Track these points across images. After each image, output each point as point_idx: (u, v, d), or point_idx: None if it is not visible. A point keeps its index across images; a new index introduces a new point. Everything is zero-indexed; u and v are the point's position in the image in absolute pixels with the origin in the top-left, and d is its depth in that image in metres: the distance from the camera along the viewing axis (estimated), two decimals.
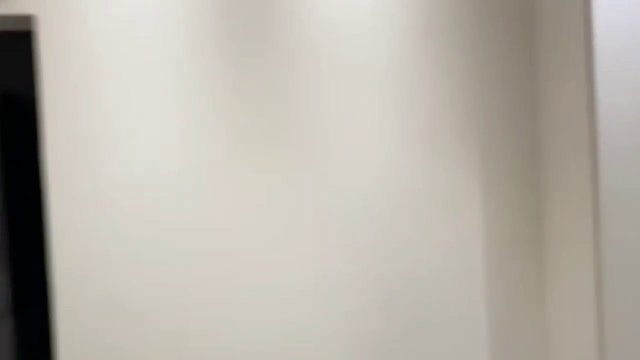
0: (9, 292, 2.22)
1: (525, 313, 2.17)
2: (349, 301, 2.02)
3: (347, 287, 2.02)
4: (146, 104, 1.92)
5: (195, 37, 1.92)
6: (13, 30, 2.03)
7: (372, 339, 2.02)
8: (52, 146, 1.88)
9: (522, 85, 2.18)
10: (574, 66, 1.98)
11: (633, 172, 1.92)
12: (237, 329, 1.94)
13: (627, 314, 1.91)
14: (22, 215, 2.26)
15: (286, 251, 1.98)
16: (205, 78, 1.93)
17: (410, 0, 2.06)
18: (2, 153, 2.26)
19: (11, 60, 2.22)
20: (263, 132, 1.97)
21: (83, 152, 1.90)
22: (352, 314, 2.02)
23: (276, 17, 1.96)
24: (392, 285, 2.06)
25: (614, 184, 1.89)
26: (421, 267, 2.08)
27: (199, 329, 1.93)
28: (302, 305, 1.99)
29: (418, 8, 2.06)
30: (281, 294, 1.97)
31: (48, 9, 1.87)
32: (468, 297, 2.11)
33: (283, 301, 1.97)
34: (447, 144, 2.10)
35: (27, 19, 1.91)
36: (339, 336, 2.00)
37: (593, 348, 1.94)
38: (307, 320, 1.99)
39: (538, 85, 2.17)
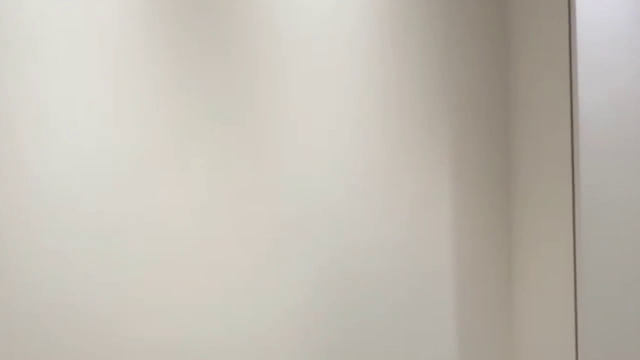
0: None
1: (494, 308, 2.12)
2: (308, 298, 1.89)
3: (307, 283, 1.89)
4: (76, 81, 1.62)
5: (141, 11, 1.69)
6: None
7: (333, 337, 1.92)
8: None
9: (496, 77, 2.13)
10: (553, 61, 1.95)
11: (612, 167, 1.91)
12: (186, 315, 1.73)
13: (601, 313, 1.91)
14: None
15: (242, 237, 1.81)
16: (149, 58, 1.70)
17: None
18: None
19: None
20: (214, 118, 1.78)
21: None
22: (311, 313, 1.90)
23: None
24: (354, 281, 1.95)
25: (591, 181, 1.87)
26: (386, 261, 1.99)
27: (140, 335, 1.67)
28: (255, 296, 1.82)
29: None
30: (237, 278, 1.80)
31: None
32: (436, 294, 2.04)
33: (238, 286, 1.80)
34: (416, 138, 2.02)
35: None
36: (296, 332, 1.87)
37: (563, 349, 1.93)
38: (263, 313, 1.83)
39: (513, 79, 2.12)
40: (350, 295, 1.94)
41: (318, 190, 1.90)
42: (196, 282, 1.73)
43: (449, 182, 2.06)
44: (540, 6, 2.00)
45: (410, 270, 2.00)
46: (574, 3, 1.87)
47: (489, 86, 2.13)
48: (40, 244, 1.55)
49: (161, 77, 1.71)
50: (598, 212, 1.89)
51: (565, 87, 1.90)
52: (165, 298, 1.69)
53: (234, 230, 1.79)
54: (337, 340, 1.92)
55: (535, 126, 2.02)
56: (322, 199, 1.91)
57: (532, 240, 2.04)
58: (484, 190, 2.12)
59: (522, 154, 2.07)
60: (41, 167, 1.56)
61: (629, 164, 1.95)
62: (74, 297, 1.58)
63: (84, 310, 1.59)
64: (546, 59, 1.98)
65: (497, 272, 2.14)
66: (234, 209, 1.79)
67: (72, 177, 1.60)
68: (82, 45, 1.62)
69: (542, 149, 2.00)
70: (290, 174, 1.87)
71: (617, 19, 1.93)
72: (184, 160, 1.73)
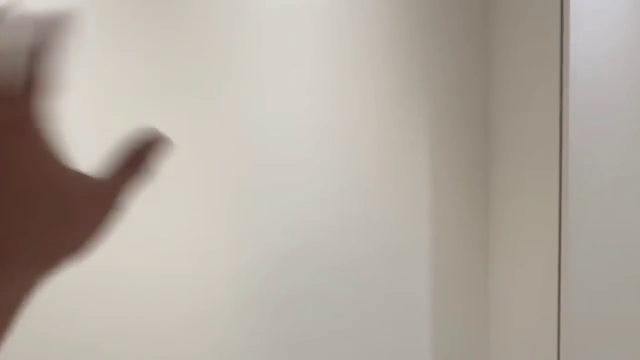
0: None
1: (470, 290, 2.07)
2: (276, 280, 1.78)
3: (272, 262, 1.78)
4: None
5: None
6: None
7: (298, 324, 1.82)
8: None
9: (475, 55, 2.04)
10: (540, 42, 1.87)
11: (600, 149, 1.85)
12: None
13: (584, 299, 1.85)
14: None
15: (199, 215, 1.70)
16: (115, 33, 1.60)
17: None
18: None
19: None
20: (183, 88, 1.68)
21: None
22: (271, 298, 1.78)
23: None
24: (322, 263, 1.84)
25: (579, 166, 1.80)
26: (360, 241, 1.89)
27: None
28: (211, 281, 1.70)
29: None
30: (192, 261, 1.67)
31: None
32: (410, 276, 1.97)
33: (192, 270, 1.68)
34: (393, 113, 1.93)
35: None
36: (256, 319, 1.76)
37: (537, 338, 1.91)
38: (219, 299, 1.71)
39: (493, 55, 2.03)
40: (318, 278, 1.85)
41: (287, 169, 1.81)
42: (148, 265, 1.62)
43: (426, 158, 1.99)
44: None
45: (382, 251, 1.93)
46: None
47: (469, 58, 2.05)
48: None
49: (129, 54, 1.61)
50: (585, 196, 1.83)
51: (554, 69, 1.83)
52: (116, 281, 1.59)
53: (191, 206, 1.68)
54: (303, 326, 1.84)
55: (518, 105, 1.96)
56: (292, 178, 1.81)
57: (513, 220, 2.00)
58: (461, 168, 2.05)
59: (502, 131, 2.01)
60: None
61: (616, 146, 1.91)
62: None
63: None
64: (533, 47, 1.93)
65: (475, 256, 2.08)
66: (189, 185, 1.67)
67: None
68: None
69: (524, 127, 1.94)
70: (253, 149, 1.76)
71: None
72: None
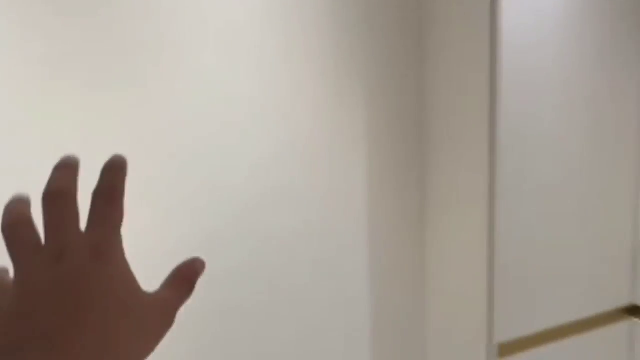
0: None
1: (407, 274, 2.12)
2: (212, 261, 1.79)
3: (211, 242, 1.79)
4: None
5: None
6: None
7: (240, 301, 1.83)
8: None
9: (410, 55, 2.03)
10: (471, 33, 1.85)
11: (529, 142, 1.86)
12: None
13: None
14: None
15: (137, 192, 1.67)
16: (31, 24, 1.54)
17: None
18: None
19: None
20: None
21: None
22: (215, 276, 1.81)
23: None
24: (263, 235, 1.85)
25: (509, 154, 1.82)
26: (297, 216, 1.90)
27: None
28: (146, 256, 1.68)
29: None
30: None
31: None
32: (349, 246, 1.99)
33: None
34: (331, 100, 1.92)
35: None
36: (205, 299, 1.78)
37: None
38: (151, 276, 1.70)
39: (427, 56, 2.02)
40: (258, 250, 1.87)
41: (221, 151, 1.79)
42: None
43: (363, 129, 1.98)
44: None
45: (319, 227, 1.95)
46: None
47: (404, 58, 2.03)
48: None
49: (50, 46, 1.55)
50: (513, 197, 1.89)
51: (485, 71, 1.83)
52: None
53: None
54: (236, 301, 1.85)
55: (449, 104, 1.98)
56: (225, 161, 1.79)
57: (446, 198, 2.04)
58: (397, 153, 2.06)
59: (437, 114, 2.03)
60: None
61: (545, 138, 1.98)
62: None
63: None
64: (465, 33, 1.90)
65: (410, 229, 2.12)
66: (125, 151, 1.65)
67: None
68: None
69: (457, 109, 1.95)
70: (187, 130, 1.74)
71: None
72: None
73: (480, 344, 1.92)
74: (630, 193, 2.16)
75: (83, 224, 0.39)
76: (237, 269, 1.83)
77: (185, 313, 1.70)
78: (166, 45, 1.68)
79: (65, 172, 0.40)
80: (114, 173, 0.41)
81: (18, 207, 0.39)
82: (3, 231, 0.38)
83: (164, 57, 1.68)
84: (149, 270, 1.49)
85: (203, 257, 0.46)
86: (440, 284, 2.12)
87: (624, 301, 2.21)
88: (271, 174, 1.85)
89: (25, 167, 1.54)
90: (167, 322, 0.41)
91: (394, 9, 2.00)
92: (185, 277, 0.44)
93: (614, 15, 2.00)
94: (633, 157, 2.14)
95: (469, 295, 1.96)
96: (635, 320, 2.22)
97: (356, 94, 1.96)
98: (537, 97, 1.87)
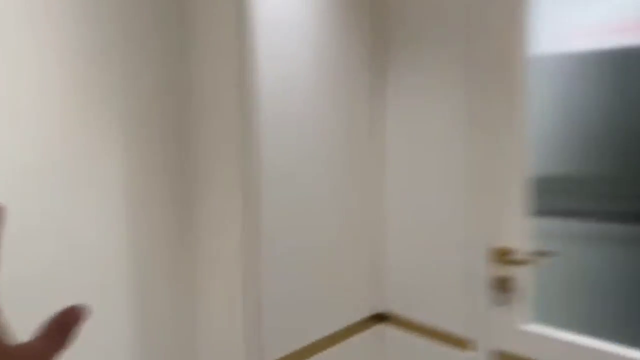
0: None
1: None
2: None
3: None
4: None
5: None
6: None
7: None
8: None
9: (173, 62, 2.00)
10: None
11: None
12: None
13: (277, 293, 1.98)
14: None
15: None
16: None
17: None
18: None
19: None
20: None
21: None
22: None
23: None
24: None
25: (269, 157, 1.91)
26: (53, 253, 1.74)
27: None
28: None
29: None
30: None
31: None
32: (111, 297, 1.90)
33: None
34: (83, 118, 1.79)
35: None
36: None
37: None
38: None
39: (190, 64, 2.03)
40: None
41: None
42: None
43: (119, 156, 1.90)
44: None
45: (77, 257, 1.81)
46: None
47: (167, 64, 1.99)
48: None
49: None
50: (272, 196, 1.98)
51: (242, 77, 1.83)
52: None
53: None
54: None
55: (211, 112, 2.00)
56: None
57: (209, 211, 2.08)
58: (157, 166, 2.01)
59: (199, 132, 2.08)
60: None
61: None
62: None
63: None
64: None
65: (180, 254, 2.09)
66: None
67: None
68: None
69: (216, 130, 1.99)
70: None
71: None
72: None
73: None
74: (374, 208, 2.42)
75: None
76: None
77: None
78: None
79: None
80: None
81: None
82: None
83: None
84: None
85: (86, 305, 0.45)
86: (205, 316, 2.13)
87: (372, 310, 2.46)
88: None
89: None
90: None
91: (154, 17, 1.95)
92: (62, 325, 0.40)
93: (348, 29, 2.23)
94: (377, 174, 2.40)
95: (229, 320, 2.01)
96: (382, 325, 2.49)
97: (115, 100, 1.86)
98: (293, 106, 1.99)
